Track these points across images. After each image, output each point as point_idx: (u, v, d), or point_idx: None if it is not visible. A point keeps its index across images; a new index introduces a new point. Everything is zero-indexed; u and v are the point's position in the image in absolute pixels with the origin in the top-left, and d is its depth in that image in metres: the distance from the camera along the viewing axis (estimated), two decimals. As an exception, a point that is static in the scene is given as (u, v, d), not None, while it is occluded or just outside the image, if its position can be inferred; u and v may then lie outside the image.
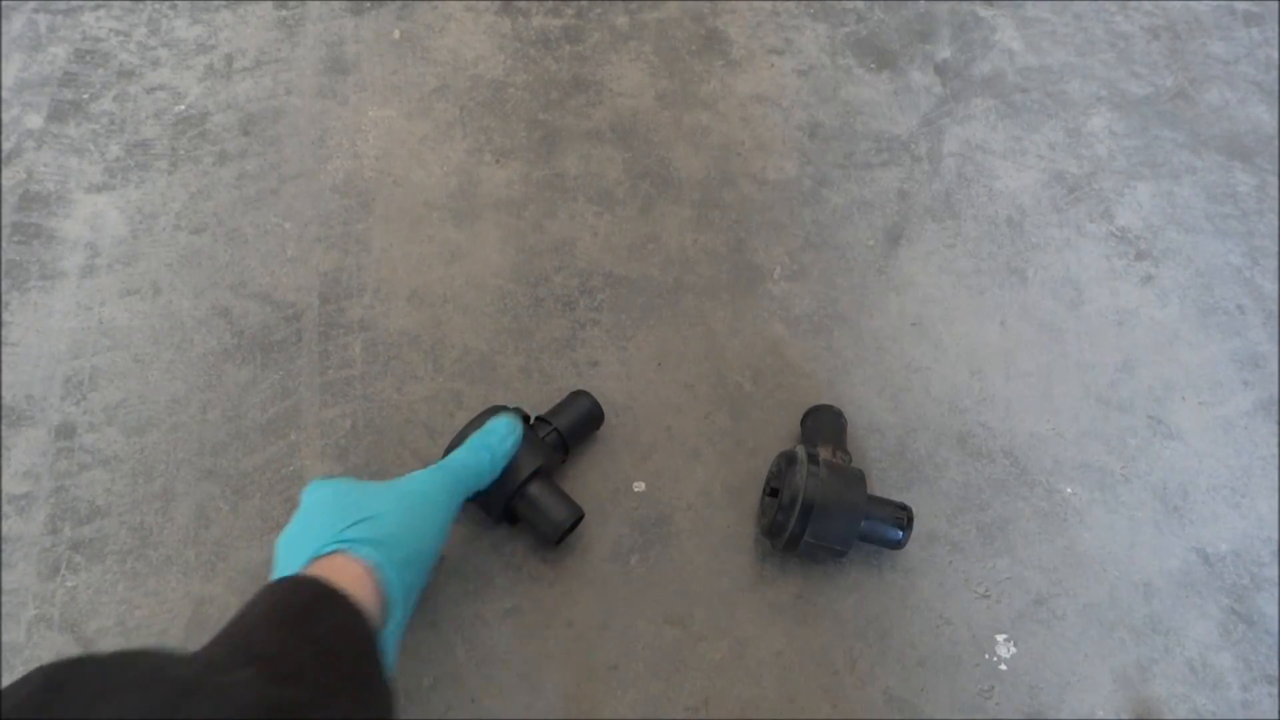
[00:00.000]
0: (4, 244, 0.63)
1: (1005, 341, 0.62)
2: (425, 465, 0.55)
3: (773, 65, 0.76)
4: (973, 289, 0.65)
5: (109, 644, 0.49)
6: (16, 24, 0.75)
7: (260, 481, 0.54)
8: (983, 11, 0.81)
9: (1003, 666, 0.50)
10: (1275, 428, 0.59)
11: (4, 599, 0.50)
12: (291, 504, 0.54)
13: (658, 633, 0.50)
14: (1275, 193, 0.71)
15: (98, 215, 0.65)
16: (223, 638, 0.37)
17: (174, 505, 0.53)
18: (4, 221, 0.64)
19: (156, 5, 0.77)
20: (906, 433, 0.58)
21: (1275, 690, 0.49)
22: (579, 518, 0.51)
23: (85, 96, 0.71)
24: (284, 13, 0.77)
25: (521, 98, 0.73)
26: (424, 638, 0.49)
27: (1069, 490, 0.56)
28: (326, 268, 0.63)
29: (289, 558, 0.43)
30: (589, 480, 0.55)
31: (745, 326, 0.62)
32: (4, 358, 0.58)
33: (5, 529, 0.52)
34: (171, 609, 0.50)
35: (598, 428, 0.56)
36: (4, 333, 0.59)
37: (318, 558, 0.43)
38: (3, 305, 0.60)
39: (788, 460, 0.51)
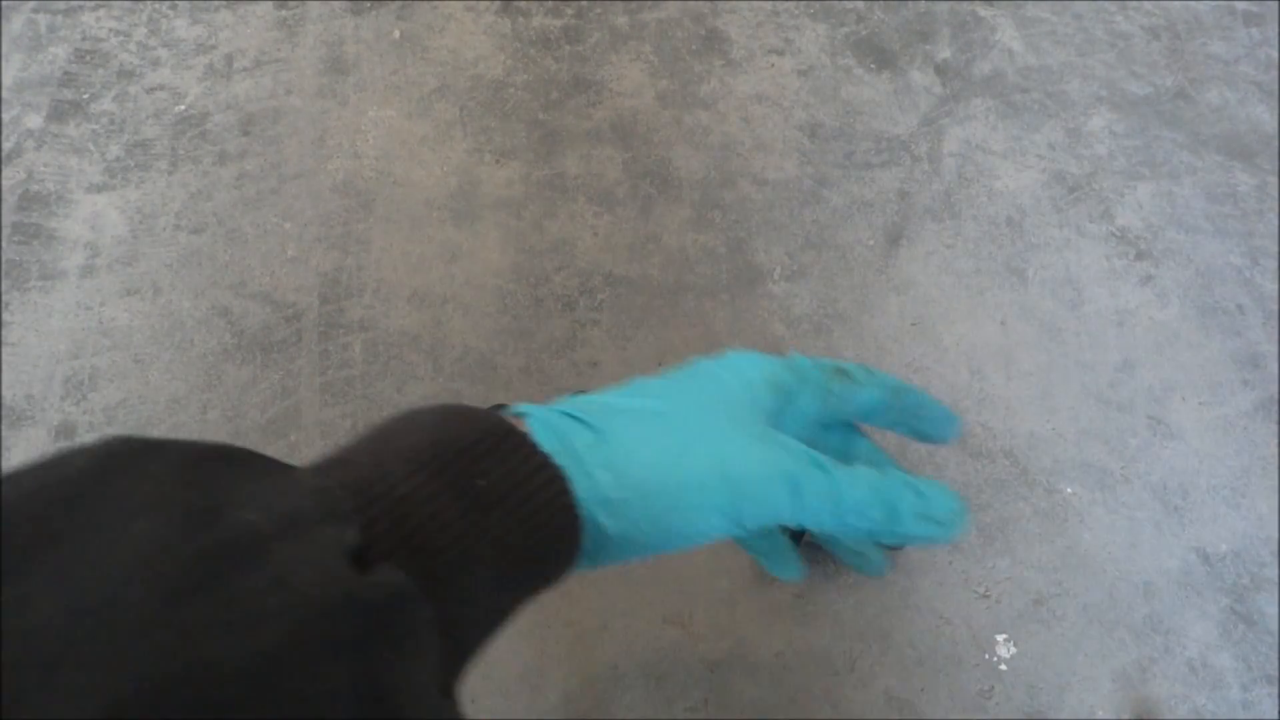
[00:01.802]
0: (4, 244, 0.63)
1: (1005, 341, 0.62)
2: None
3: (773, 65, 0.76)
4: (973, 289, 0.65)
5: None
6: (16, 24, 0.75)
7: (260, 481, 0.54)
8: (983, 11, 0.81)
9: (1003, 666, 0.50)
10: (1275, 428, 0.59)
11: (4, 599, 0.50)
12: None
13: (658, 633, 0.50)
14: (1275, 193, 0.71)
15: (98, 215, 0.65)
16: (336, 462, 0.26)
17: (174, 505, 0.53)
18: (4, 221, 0.64)
19: (156, 5, 0.77)
20: (906, 433, 0.58)
21: (1275, 690, 0.49)
22: (579, 518, 0.51)
23: (85, 96, 0.71)
24: (284, 13, 0.77)
25: (521, 98, 0.73)
26: (424, 638, 0.49)
27: (1069, 490, 0.56)
28: (326, 268, 0.63)
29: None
30: (589, 480, 0.55)
31: (745, 326, 0.62)
32: (4, 358, 0.58)
33: (5, 529, 0.52)
34: (171, 609, 0.50)
35: (598, 428, 0.56)
36: (4, 333, 0.59)
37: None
38: (3, 305, 0.60)
39: (788, 460, 0.51)
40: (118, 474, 0.20)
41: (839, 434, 0.38)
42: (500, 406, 0.32)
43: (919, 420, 0.38)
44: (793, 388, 0.34)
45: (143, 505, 0.20)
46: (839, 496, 0.30)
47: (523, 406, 0.31)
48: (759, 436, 0.31)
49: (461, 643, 0.26)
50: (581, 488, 0.28)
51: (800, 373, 0.34)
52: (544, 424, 0.29)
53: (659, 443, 0.30)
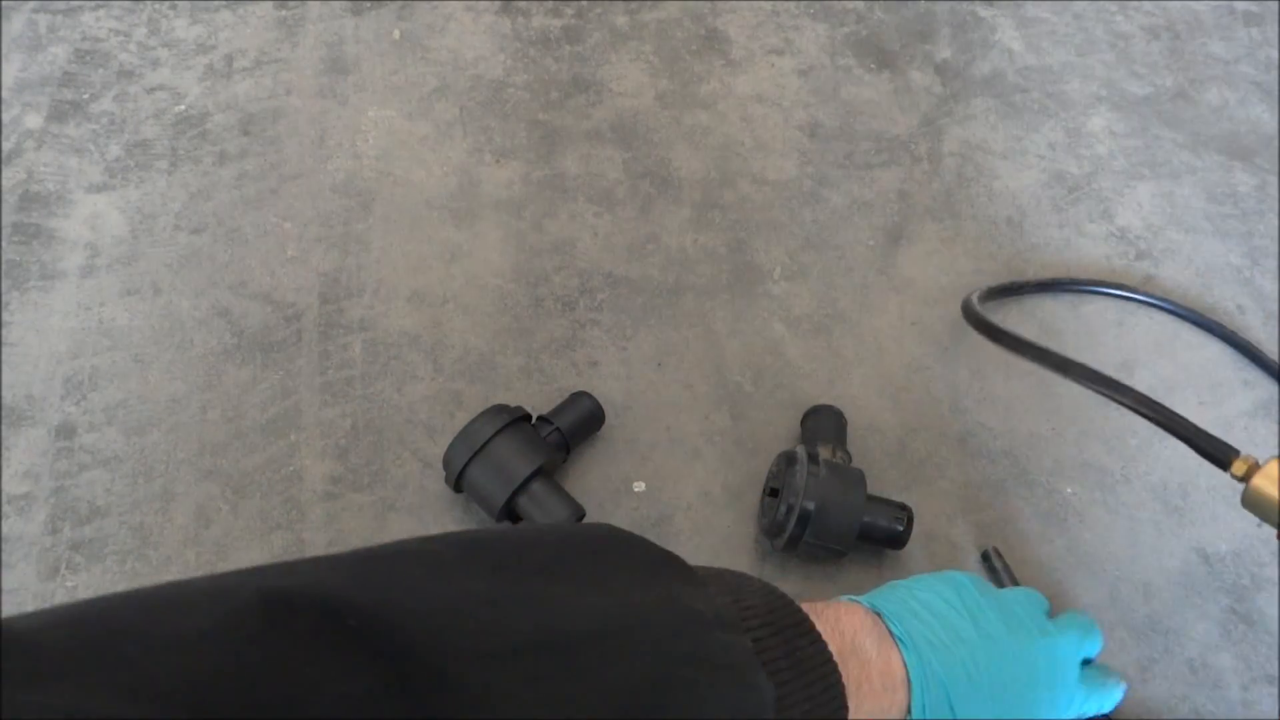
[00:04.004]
0: (4, 244, 0.63)
1: (1005, 341, 0.62)
2: (425, 466, 0.55)
3: (773, 65, 0.76)
4: (973, 289, 0.64)
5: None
6: (16, 24, 0.75)
7: (260, 482, 0.54)
8: (983, 11, 0.81)
9: (1003, 666, 0.50)
10: (1275, 428, 0.59)
11: (4, 599, 0.50)
12: (291, 503, 0.54)
13: (658, 633, 0.50)
14: (1275, 193, 0.71)
15: (98, 215, 0.65)
16: (726, 596, 0.33)
17: (174, 505, 0.53)
18: (4, 221, 0.64)
19: (156, 5, 0.77)
20: (906, 433, 0.58)
21: (1275, 690, 0.49)
22: (580, 517, 0.51)
23: (85, 96, 0.71)
24: (284, 13, 0.77)
25: (521, 98, 0.73)
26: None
27: (1069, 490, 0.56)
28: (326, 268, 0.63)
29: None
30: (589, 480, 0.55)
31: (745, 326, 0.62)
32: (4, 358, 0.58)
33: (5, 529, 0.52)
34: (171, 609, 0.50)
35: (598, 428, 0.56)
36: (4, 333, 0.59)
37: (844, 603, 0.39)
38: (3, 305, 0.60)
39: (788, 460, 0.51)
40: (618, 550, 0.31)
41: None
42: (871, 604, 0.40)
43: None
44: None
45: (637, 578, 0.30)
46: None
47: (899, 630, 0.38)
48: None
49: None
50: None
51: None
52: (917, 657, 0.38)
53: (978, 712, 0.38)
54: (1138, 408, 0.44)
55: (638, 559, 0.32)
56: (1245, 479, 0.43)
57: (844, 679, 0.34)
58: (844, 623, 0.37)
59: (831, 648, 0.34)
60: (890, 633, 0.38)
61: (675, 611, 0.29)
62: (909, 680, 0.37)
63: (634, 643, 0.27)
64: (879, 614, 0.39)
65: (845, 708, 0.33)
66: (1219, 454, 0.45)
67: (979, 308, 0.55)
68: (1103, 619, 0.52)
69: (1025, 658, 0.39)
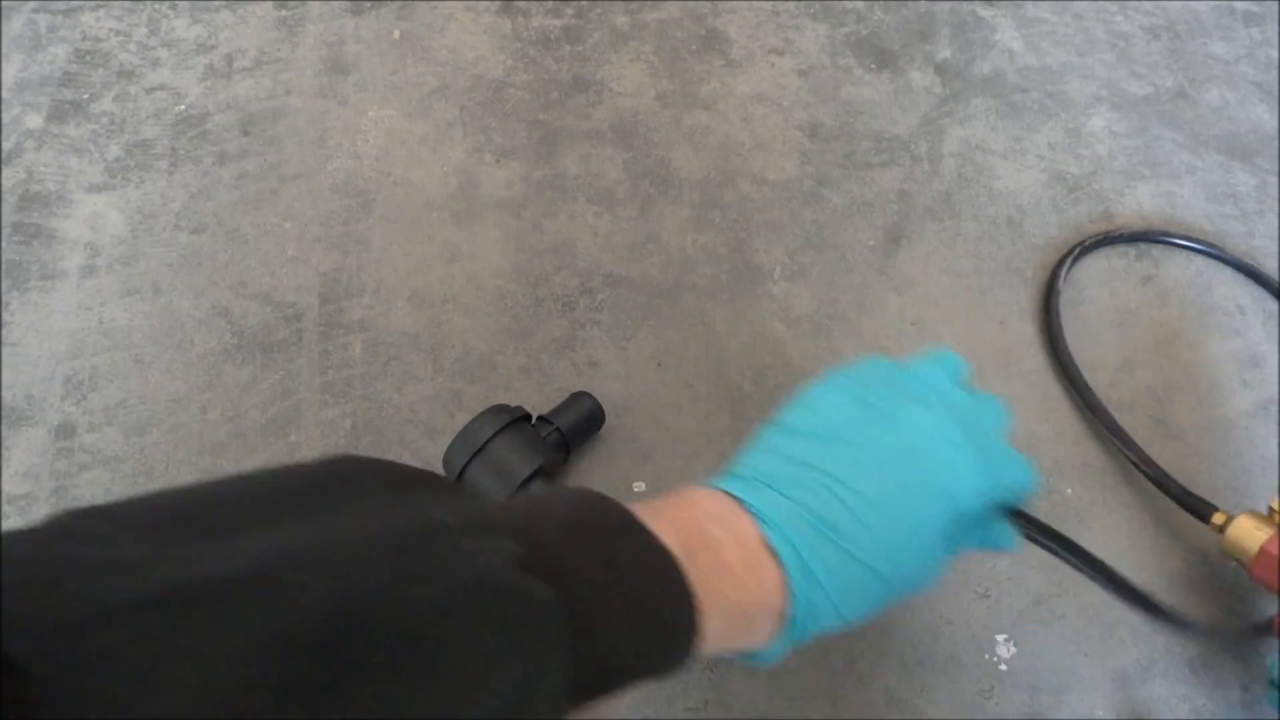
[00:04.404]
0: (4, 244, 0.63)
1: (1005, 341, 0.62)
2: (425, 466, 0.55)
3: (773, 65, 0.76)
4: (973, 289, 0.64)
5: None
6: (16, 24, 0.75)
7: (260, 481, 0.54)
8: (983, 11, 0.81)
9: (1003, 666, 0.50)
10: (1275, 428, 0.59)
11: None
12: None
13: (658, 633, 0.50)
14: (1275, 193, 0.71)
15: (98, 215, 0.65)
16: (501, 508, 0.31)
17: (174, 505, 0.53)
18: (4, 221, 0.64)
19: (156, 5, 0.77)
20: (906, 433, 0.58)
21: (1275, 690, 0.49)
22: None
23: (85, 96, 0.71)
24: (284, 13, 0.77)
25: (521, 98, 0.73)
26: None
27: (1069, 490, 0.56)
28: (326, 268, 0.63)
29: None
30: (589, 480, 0.55)
31: (745, 326, 0.62)
32: (4, 358, 0.58)
33: (5, 529, 0.52)
34: (171, 609, 0.50)
35: (599, 428, 0.56)
36: (4, 333, 0.59)
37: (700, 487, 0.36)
38: (3, 305, 0.60)
39: (788, 460, 0.51)
40: (343, 482, 0.27)
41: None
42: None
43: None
44: (985, 517, 0.39)
45: (364, 504, 0.26)
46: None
47: (751, 498, 0.36)
48: (939, 563, 0.38)
49: (585, 688, 0.29)
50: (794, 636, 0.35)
51: (996, 503, 0.39)
52: (796, 563, 0.34)
53: (869, 600, 0.36)
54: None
55: (374, 485, 0.28)
56: (1222, 530, 0.50)
57: (693, 569, 0.31)
58: (684, 514, 0.34)
59: (671, 541, 0.32)
60: (744, 506, 0.35)
61: (399, 528, 0.26)
62: (773, 547, 0.34)
63: (306, 576, 0.23)
64: (730, 493, 0.36)
65: (691, 596, 0.31)
66: (1199, 509, 0.52)
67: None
68: (1103, 619, 0.52)
69: (909, 444, 0.37)
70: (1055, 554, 0.40)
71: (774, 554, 0.34)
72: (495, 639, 0.24)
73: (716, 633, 0.32)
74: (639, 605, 0.30)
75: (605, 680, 0.30)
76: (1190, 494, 0.53)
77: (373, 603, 0.23)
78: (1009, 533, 0.40)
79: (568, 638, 0.27)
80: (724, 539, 0.34)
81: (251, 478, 0.26)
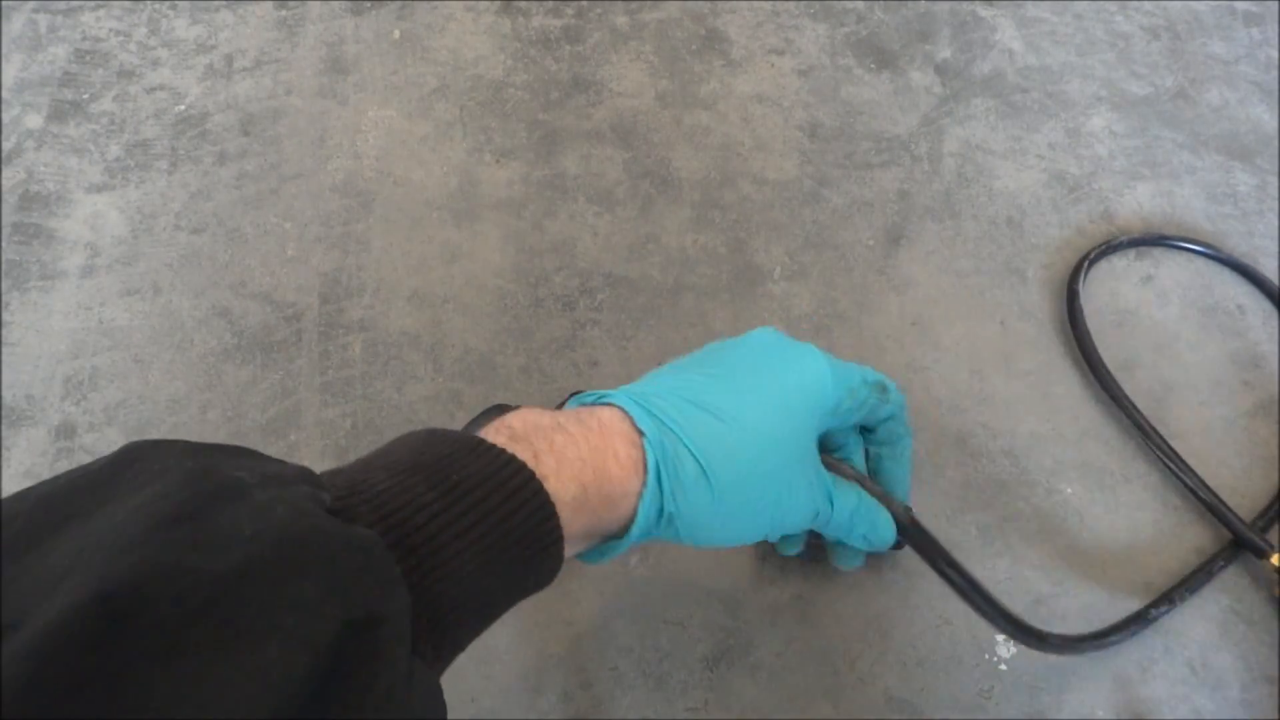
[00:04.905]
0: (4, 244, 0.63)
1: (1005, 341, 0.62)
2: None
3: (773, 65, 0.76)
4: (973, 289, 0.65)
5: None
6: (16, 24, 0.75)
7: (260, 481, 0.54)
8: (983, 11, 0.81)
9: (1003, 666, 0.50)
10: (1275, 428, 0.59)
11: (4, 599, 0.50)
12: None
13: (658, 633, 0.50)
14: (1275, 193, 0.71)
15: (98, 215, 0.65)
16: (329, 472, 0.30)
17: (174, 505, 0.53)
18: (4, 221, 0.64)
19: (156, 5, 0.77)
20: (906, 433, 0.58)
21: (1275, 690, 0.49)
22: (579, 518, 0.51)
23: (85, 96, 0.71)
24: (284, 13, 0.77)
25: (521, 98, 0.73)
26: (424, 638, 0.49)
27: (1069, 490, 0.56)
28: (326, 268, 0.63)
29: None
30: (589, 480, 0.55)
31: (745, 326, 0.62)
32: (4, 358, 0.58)
33: (5, 529, 0.52)
34: (171, 609, 0.50)
35: (598, 428, 0.56)
36: (4, 333, 0.59)
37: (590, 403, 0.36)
38: (3, 305, 0.60)
39: (788, 460, 0.51)
40: (132, 463, 0.25)
41: (849, 435, 0.45)
42: (575, 394, 0.38)
43: (895, 445, 0.46)
44: (847, 412, 0.40)
45: (151, 477, 0.24)
46: (832, 519, 0.40)
47: (610, 395, 0.36)
48: (807, 478, 0.38)
49: (444, 623, 0.28)
50: (649, 513, 0.34)
51: (857, 398, 0.41)
52: (658, 444, 0.34)
53: (733, 461, 0.35)
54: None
55: (167, 459, 0.26)
56: None
57: (546, 466, 0.31)
58: (527, 417, 0.34)
59: (519, 450, 0.31)
60: (603, 405, 0.36)
61: (183, 497, 0.23)
62: (631, 417, 0.35)
63: (68, 580, 0.21)
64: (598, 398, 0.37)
65: (544, 497, 0.31)
66: (1258, 546, 0.52)
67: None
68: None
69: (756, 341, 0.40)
70: (932, 566, 0.44)
71: (627, 418, 0.35)
72: (306, 588, 0.23)
73: (578, 526, 0.32)
74: (488, 519, 0.29)
75: (470, 606, 0.29)
76: (1250, 527, 0.53)
77: (144, 583, 0.21)
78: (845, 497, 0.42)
79: (396, 574, 0.25)
80: (570, 426, 0.34)
81: (43, 486, 0.25)
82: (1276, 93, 0.77)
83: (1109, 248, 0.65)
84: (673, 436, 0.35)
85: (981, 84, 0.76)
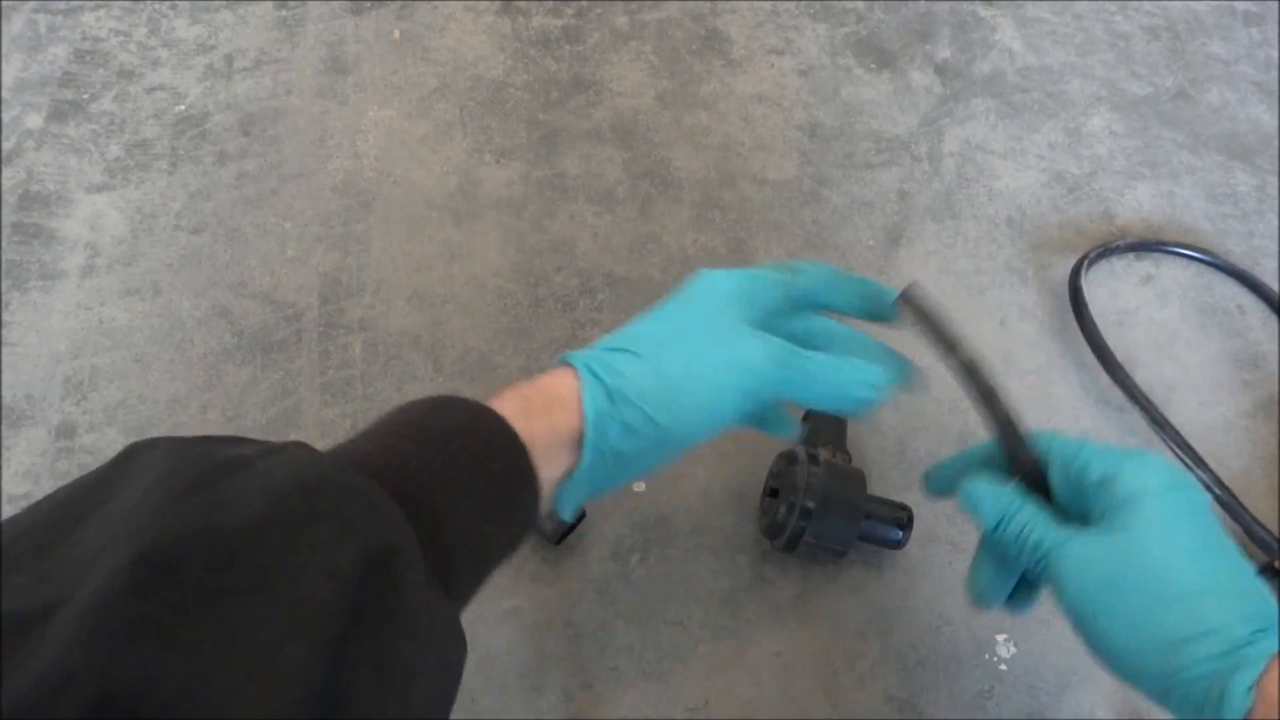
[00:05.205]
0: (4, 244, 0.63)
1: (1005, 341, 0.62)
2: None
3: (773, 65, 0.76)
4: (973, 289, 0.65)
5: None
6: (16, 24, 0.75)
7: (260, 481, 0.54)
8: (983, 11, 0.81)
9: (1003, 666, 0.50)
10: (1275, 428, 0.59)
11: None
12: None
13: (658, 633, 0.50)
14: (1275, 193, 0.71)
15: (98, 215, 0.65)
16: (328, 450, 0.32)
17: (174, 505, 0.53)
18: (4, 221, 0.64)
19: (156, 5, 0.77)
20: (906, 433, 0.58)
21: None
22: (580, 517, 0.51)
23: (85, 96, 0.71)
24: (284, 13, 0.77)
25: (521, 98, 0.73)
26: (424, 638, 0.49)
27: (1069, 490, 0.56)
28: (326, 268, 0.63)
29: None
30: (589, 480, 0.55)
31: (745, 326, 0.62)
32: (4, 358, 0.58)
33: (5, 529, 0.52)
34: (171, 609, 0.50)
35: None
36: (4, 333, 0.59)
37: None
38: (3, 305, 0.60)
39: (788, 460, 0.51)
40: (134, 459, 0.26)
41: (802, 319, 0.45)
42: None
43: (865, 300, 0.46)
44: (756, 289, 0.42)
45: (155, 464, 0.25)
46: (813, 375, 0.40)
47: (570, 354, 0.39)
48: (750, 334, 0.39)
49: (446, 565, 0.30)
50: (597, 399, 0.36)
51: (758, 277, 0.43)
52: (584, 358, 0.38)
53: (685, 349, 0.39)
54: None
55: (165, 449, 0.27)
56: None
57: (519, 423, 0.34)
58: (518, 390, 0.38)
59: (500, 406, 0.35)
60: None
61: (193, 472, 0.26)
62: (575, 371, 0.38)
63: (104, 556, 0.23)
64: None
65: (519, 443, 0.34)
66: (1269, 544, 0.53)
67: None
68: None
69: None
70: (934, 343, 0.44)
71: (569, 368, 0.38)
72: (323, 529, 0.25)
73: (540, 437, 0.35)
74: (471, 466, 0.32)
75: (467, 547, 0.31)
76: (1264, 526, 0.53)
77: (176, 543, 0.22)
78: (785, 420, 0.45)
79: (399, 513, 0.27)
80: (523, 384, 0.37)
81: (53, 495, 0.26)
82: (1276, 93, 0.77)
83: (1108, 250, 0.65)
84: (597, 350, 0.39)
85: (981, 84, 0.76)
